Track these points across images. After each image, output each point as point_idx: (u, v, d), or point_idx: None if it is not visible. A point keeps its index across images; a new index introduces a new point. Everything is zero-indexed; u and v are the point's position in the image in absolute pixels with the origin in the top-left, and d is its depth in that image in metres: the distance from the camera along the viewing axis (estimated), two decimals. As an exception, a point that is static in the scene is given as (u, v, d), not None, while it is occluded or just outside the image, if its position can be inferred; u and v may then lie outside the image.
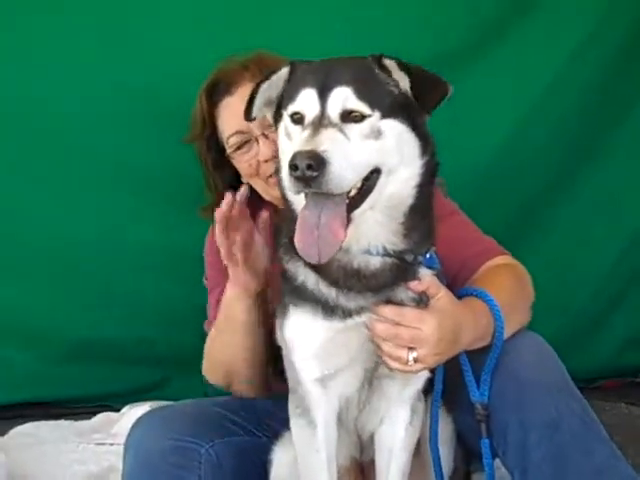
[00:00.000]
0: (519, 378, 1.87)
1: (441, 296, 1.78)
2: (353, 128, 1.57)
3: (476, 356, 1.91)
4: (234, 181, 2.41)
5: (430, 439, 1.96)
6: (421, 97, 1.63)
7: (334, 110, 1.58)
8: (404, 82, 1.65)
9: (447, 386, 1.96)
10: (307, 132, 1.56)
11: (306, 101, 1.61)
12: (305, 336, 1.77)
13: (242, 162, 2.33)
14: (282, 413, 1.95)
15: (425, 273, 1.77)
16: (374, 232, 1.69)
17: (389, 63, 1.66)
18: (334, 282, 1.71)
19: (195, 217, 3.11)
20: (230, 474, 2.09)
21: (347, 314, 1.72)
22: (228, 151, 2.34)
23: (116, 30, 3.23)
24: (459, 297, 1.90)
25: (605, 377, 3.76)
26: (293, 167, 1.46)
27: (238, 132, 2.29)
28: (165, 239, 3.42)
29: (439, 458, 1.97)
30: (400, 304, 1.73)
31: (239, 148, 2.32)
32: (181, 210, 3.31)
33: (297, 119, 1.63)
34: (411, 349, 1.72)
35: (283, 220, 1.82)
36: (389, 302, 1.72)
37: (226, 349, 2.22)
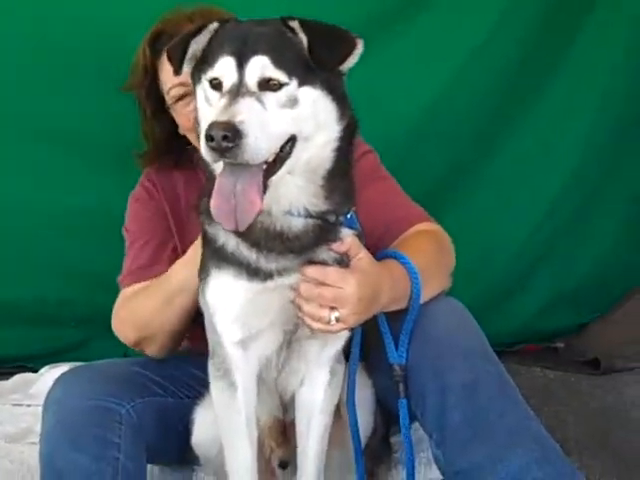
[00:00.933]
0: (438, 342, 1.90)
1: (362, 256, 1.79)
2: (270, 97, 1.56)
3: (394, 318, 1.93)
4: (172, 130, 2.39)
5: (347, 400, 1.99)
6: (321, 55, 1.61)
7: (252, 78, 1.57)
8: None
9: (366, 349, 1.99)
10: (224, 100, 1.55)
11: (225, 68, 1.59)
12: (227, 298, 1.77)
13: (181, 115, 2.29)
14: (203, 374, 1.95)
15: (346, 234, 1.77)
16: (294, 195, 1.69)
17: (294, 25, 1.65)
18: (255, 244, 1.70)
19: (121, 179, 3.09)
20: (151, 434, 2.09)
21: (268, 276, 1.72)
22: (168, 102, 2.30)
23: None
24: (378, 259, 1.91)
25: (523, 341, 3.83)
26: (209, 137, 1.46)
27: (180, 84, 2.24)
28: (88, 200, 3.35)
29: (356, 420, 2.00)
30: (322, 264, 1.73)
31: (179, 99, 2.28)
32: (105, 172, 3.29)
33: (215, 85, 1.61)
34: (332, 309, 1.73)
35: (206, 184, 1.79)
36: (311, 262, 1.73)
37: (150, 315, 2.16)
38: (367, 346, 1.98)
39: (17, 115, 3.24)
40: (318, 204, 1.71)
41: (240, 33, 1.63)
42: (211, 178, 1.70)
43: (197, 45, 1.70)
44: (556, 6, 3.46)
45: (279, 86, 1.58)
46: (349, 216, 1.80)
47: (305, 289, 1.72)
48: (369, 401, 2.10)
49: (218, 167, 1.63)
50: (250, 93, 1.55)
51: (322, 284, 1.71)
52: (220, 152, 1.47)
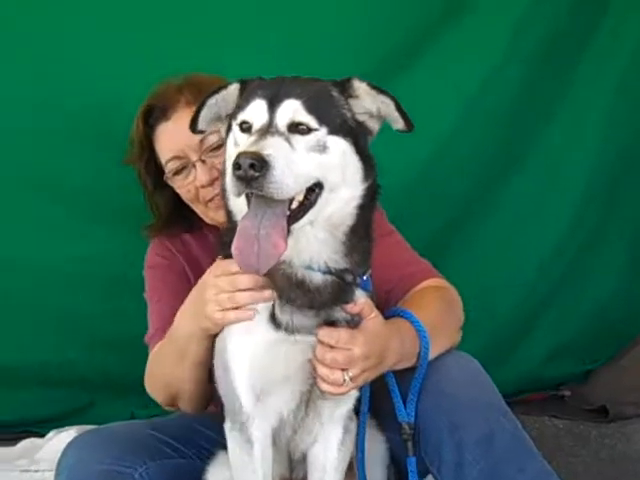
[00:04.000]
0: (452, 397, 1.91)
1: (373, 317, 1.80)
2: (299, 139, 1.60)
3: (403, 377, 1.94)
4: (175, 201, 2.42)
5: (357, 457, 1.98)
6: (404, 116, 1.71)
7: (282, 120, 1.61)
8: (376, 104, 1.72)
9: (378, 406, 1.98)
10: (253, 137, 1.58)
11: (255, 110, 1.63)
12: (245, 344, 1.76)
13: (181, 187, 2.34)
14: (215, 434, 1.94)
15: (360, 295, 1.78)
16: (315, 248, 1.69)
17: (359, 85, 1.72)
18: (278, 292, 1.71)
19: (125, 237, 3.12)
20: None
21: (288, 329, 1.72)
22: (167, 175, 2.33)
23: (52, 49, 3.16)
24: (387, 317, 1.92)
25: (528, 390, 3.81)
26: (236, 165, 1.48)
27: (175, 157, 2.29)
28: (89, 260, 3.35)
29: (365, 476, 1.99)
30: (335, 324, 1.74)
31: (177, 173, 2.31)
32: (110, 228, 3.31)
33: (245, 128, 1.65)
34: (344, 370, 1.74)
35: (226, 233, 1.81)
36: (327, 322, 1.73)
37: (170, 372, 2.14)
38: (378, 403, 1.97)
39: (17, 172, 3.26)
40: (338, 261, 1.72)
41: (275, 82, 1.69)
42: (231, 227, 1.71)
43: (220, 106, 1.77)
44: (556, 38, 3.53)
45: (308, 131, 1.61)
46: (365, 278, 1.81)
47: (319, 353, 1.73)
48: (382, 457, 2.10)
49: (240, 213, 1.66)
50: (279, 133, 1.59)
51: (334, 347, 1.72)
52: (246, 182, 1.48)
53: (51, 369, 3.47)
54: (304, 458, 1.97)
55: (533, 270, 3.76)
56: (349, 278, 1.74)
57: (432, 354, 1.95)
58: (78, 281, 3.38)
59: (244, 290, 1.74)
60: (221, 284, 1.77)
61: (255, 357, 1.75)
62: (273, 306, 1.73)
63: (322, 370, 1.74)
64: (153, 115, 2.32)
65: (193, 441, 2.25)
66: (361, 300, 1.78)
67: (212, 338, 1.90)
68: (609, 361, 3.88)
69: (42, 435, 3.44)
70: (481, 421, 1.86)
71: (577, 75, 3.61)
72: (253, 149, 1.51)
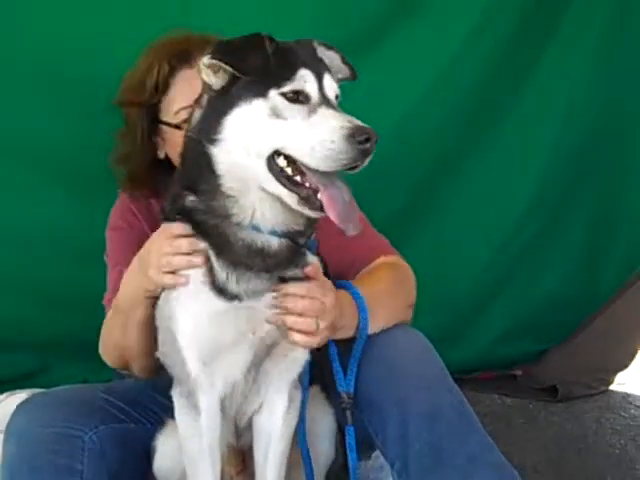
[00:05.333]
0: (398, 370, 1.92)
1: (325, 279, 1.82)
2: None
3: (347, 348, 1.95)
4: (152, 160, 2.34)
5: (298, 430, 1.98)
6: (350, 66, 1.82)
7: (331, 93, 1.66)
8: (329, 60, 1.76)
9: (328, 380, 1.99)
10: (331, 110, 1.61)
11: (308, 81, 1.63)
12: (191, 314, 1.75)
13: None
14: (168, 400, 1.93)
15: (312, 258, 1.80)
16: (281, 214, 1.70)
17: (318, 46, 1.76)
18: (234, 262, 1.70)
19: (84, 196, 3.06)
20: (113, 460, 2.05)
21: (235, 297, 1.71)
22: (175, 122, 2.23)
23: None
24: None
25: (481, 369, 3.87)
26: (365, 140, 1.53)
27: (190, 106, 2.12)
28: (50, 218, 3.26)
29: (307, 450, 2.00)
30: (287, 280, 1.74)
31: (185, 122, 2.19)
32: (70, 189, 3.24)
33: (296, 99, 1.62)
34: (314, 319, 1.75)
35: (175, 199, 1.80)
36: (282, 280, 1.73)
37: (118, 335, 2.11)
38: (327, 376, 1.98)
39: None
40: (299, 224, 1.73)
41: (301, 51, 1.68)
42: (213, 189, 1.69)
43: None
44: (523, 24, 3.53)
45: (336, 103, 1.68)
46: (312, 239, 1.82)
47: (291, 303, 1.72)
48: (329, 429, 2.10)
49: (241, 181, 1.66)
50: (334, 107, 1.64)
51: (304, 297, 1.73)
52: (365, 156, 1.55)
53: (4, 331, 3.42)
54: (250, 425, 1.97)
55: (491, 250, 3.80)
56: (301, 241, 1.75)
57: (375, 327, 1.97)
58: (35, 242, 3.30)
59: (184, 254, 1.74)
60: (164, 247, 1.76)
61: (202, 326, 1.74)
62: (219, 276, 1.72)
63: (293, 319, 1.74)
64: (177, 59, 2.21)
65: (145, 406, 2.24)
66: (316, 263, 1.79)
67: (156, 302, 1.89)
68: (561, 342, 3.94)
69: (-6, 397, 3.42)
70: (427, 396, 1.87)
71: (543, 55, 3.63)
72: (360, 124, 1.56)
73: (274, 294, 1.73)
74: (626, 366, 3.93)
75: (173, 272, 1.75)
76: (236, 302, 1.71)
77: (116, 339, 2.12)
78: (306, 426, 1.99)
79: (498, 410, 3.51)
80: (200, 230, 1.73)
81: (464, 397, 1.93)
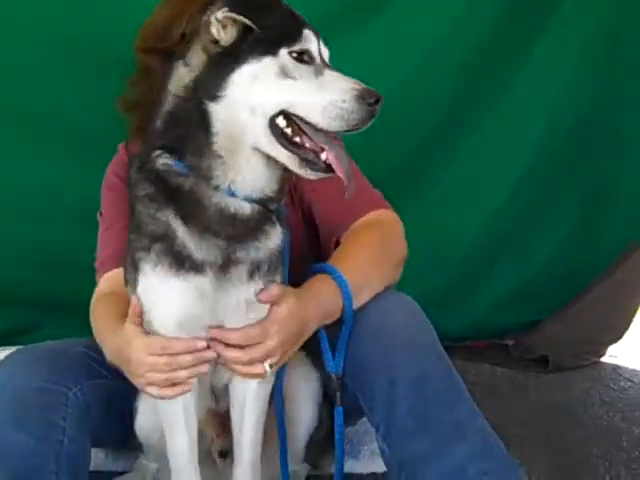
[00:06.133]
0: (388, 336, 1.91)
1: (283, 305, 1.78)
2: None
3: (336, 328, 1.95)
4: None
5: (274, 393, 1.99)
6: None
7: (326, 55, 1.68)
8: None
9: (313, 341, 1.97)
10: (336, 72, 1.63)
11: (312, 41, 1.64)
12: (162, 295, 1.72)
13: None
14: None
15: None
16: (269, 178, 1.70)
17: None
18: (203, 229, 1.67)
19: (81, 156, 3.09)
20: (97, 417, 2.06)
21: (201, 267, 1.69)
22: None
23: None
24: (311, 273, 1.96)
25: (473, 337, 3.88)
26: (375, 101, 1.57)
27: None
28: (46, 179, 3.27)
29: (282, 414, 2.03)
30: (240, 264, 1.71)
31: None
32: (67, 150, 3.23)
33: (302, 59, 1.62)
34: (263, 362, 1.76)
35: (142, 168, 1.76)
36: (225, 262, 1.70)
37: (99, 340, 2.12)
38: (313, 337, 1.96)
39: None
40: (272, 191, 1.71)
41: (294, 13, 1.68)
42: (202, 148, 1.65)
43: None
44: (514, 11, 3.48)
45: None
46: (282, 206, 1.82)
47: (231, 356, 1.74)
48: (314, 394, 2.10)
49: (272, 148, 1.64)
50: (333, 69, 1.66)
51: (247, 347, 1.74)
52: (371, 117, 1.59)
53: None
54: (227, 388, 1.97)
55: (484, 219, 3.76)
56: (272, 206, 1.74)
57: (366, 297, 1.98)
58: (32, 204, 3.32)
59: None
60: (158, 364, 1.74)
61: (173, 308, 1.72)
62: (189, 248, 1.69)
63: (241, 369, 1.77)
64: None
65: None
66: (274, 290, 1.76)
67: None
68: (553, 313, 3.93)
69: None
70: (415, 361, 1.86)
71: (544, 25, 3.58)
72: (367, 87, 1.60)
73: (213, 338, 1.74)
74: (619, 338, 3.91)
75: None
76: (206, 275, 1.69)
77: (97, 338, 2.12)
78: (283, 389, 1.99)
79: (487, 379, 3.50)
80: (170, 195, 1.69)
81: (452, 365, 1.92)
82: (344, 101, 1.56)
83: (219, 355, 1.76)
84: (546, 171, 3.76)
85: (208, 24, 1.63)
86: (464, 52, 3.49)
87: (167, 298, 1.71)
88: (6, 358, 2.08)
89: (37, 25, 3.06)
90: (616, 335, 3.92)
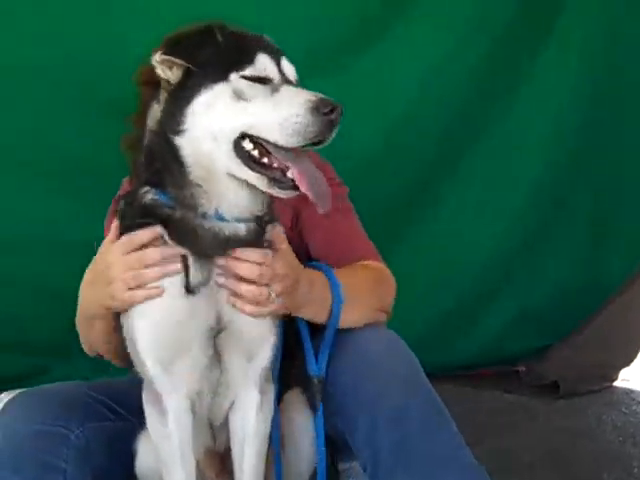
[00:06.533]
0: (370, 368, 1.90)
1: (285, 245, 1.81)
2: None
3: (318, 335, 1.95)
4: None
5: (272, 434, 1.97)
6: None
7: (291, 75, 1.69)
8: None
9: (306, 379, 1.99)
10: (293, 87, 1.64)
11: (267, 64, 1.65)
12: (147, 315, 1.74)
13: None
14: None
15: (274, 225, 1.79)
16: (252, 199, 1.70)
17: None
18: (198, 253, 1.70)
19: (82, 194, 3.13)
20: (98, 459, 2.05)
21: (198, 289, 1.71)
22: None
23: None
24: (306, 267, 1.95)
25: (483, 365, 3.85)
26: (330, 110, 1.55)
27: None
28: (49, 217, 3.29)
29: (278, 448, 2.00)
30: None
31: None
32: (67, 188, 3.27)
33: (258, 79, 1.63)
34: (267, 286, 1.74)
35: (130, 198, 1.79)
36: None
37: (85, 335, 2.14)
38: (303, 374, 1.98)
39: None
40: (260, 210, 1.73)
41: (255, 38, 1.71)
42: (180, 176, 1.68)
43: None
44: (518, 25, 3.53)
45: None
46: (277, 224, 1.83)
47: (247, 269, 1.71)
48: (311, 432, 2.09)
49: (215, 162, 1.65)
50: (296, 86, 1.66)
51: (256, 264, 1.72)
52: (331, 127, 1.56)
53: (4, 330, 3.44)
54: (227, 427, 1.96)
55: (492, 243, 3.76)
56: (266, 218, 1.76)
57: (348, 320, 1.97)
58: (34, 242, 3.33)
59: (151, 265, 1.72)
60: (129, 261, 1.75)
61: (160, 327, 1.73)
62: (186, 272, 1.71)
63: (246, 288, 1.72)
64: None
65: (132, 404, 2.21)
66: (276, 228, 1.79)
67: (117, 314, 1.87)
68: (564, 338, 3.91)
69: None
70: (396, 395, 1.84)
71: (546, 39, 3.63)
72: (323, 96, 1.58)
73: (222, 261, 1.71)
74: (631, 361, 3.90)
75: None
76: (193, 295, 1.70)
77: (83, 335, 2.13)
78: (280, 424, 1.99)
79: (499, 406, 3.48)
80: (164, 225, 1.71)
81: (436, 396, 1.90)
82: (298, 115, 1.55)
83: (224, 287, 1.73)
84: (553, 192, 3.78)
85: (154, 67, 1.69)
86: (462, 76, 3.54)
87: (159, 323, 1.73)
88: (8, 402, 2.08)
89: (37, 65, 3.11)
90: (628, 358, 3.90)
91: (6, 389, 3.42)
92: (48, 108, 3.16)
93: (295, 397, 2.08)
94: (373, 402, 1.84)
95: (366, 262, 2.20)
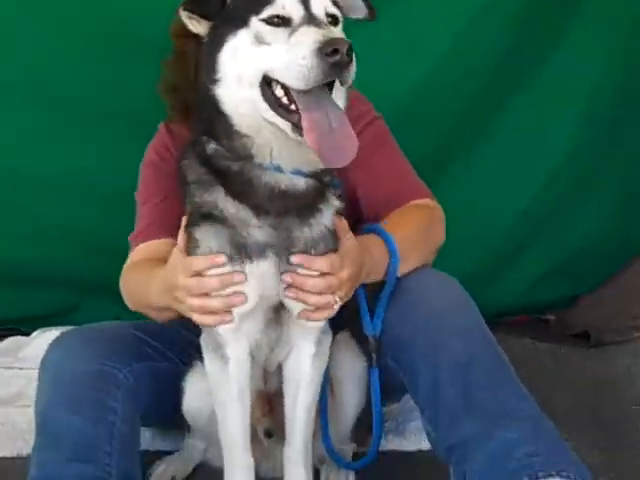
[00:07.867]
0: (433, 318, 1.90)
1: (350, 237, 1.81)
2: (337, 31, 1.61)
3: (376, 292, 1.97)
4: None
5: (321, 405, 2.03)
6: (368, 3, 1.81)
7: (319, 11, 1.61)
8: None
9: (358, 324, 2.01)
10: (312, 28, 1.55)
11: (287, 2, 1.60)
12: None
13: None
14: (198, 339, 1.94)
15: (336, 205, 1.78)
16: (304, 152, 1.66)
17: None
18: (256, 207, 1.68)
19: (116, 140, 3.12)
20: (146, 398, 2.09)
21: (259, 253, 1.70)
22: None
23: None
24: (363, 232, 1.97)
25: (513, 313, 3.85)
26: (334, 51, 1.46)
27: None
28: (80, 162, 3.31)
29: (326, 395, 2.05)
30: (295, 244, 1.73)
31: None
32: (101, 134, 3.27)
33: (277, 22, 1.59)
34: (333, 293, 1.76)
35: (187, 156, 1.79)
36: (285, 245, 1.72)
37: (138, 300, 2.17)
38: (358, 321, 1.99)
39: (14, 77, 3.20)
40: (316, 161, 1.67)
41: None
42: (227, 131, 1.68)
43: None
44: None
45: (336, 23, 1.64)
46: (336, 179, 1.81)
47: (314, 284, 1.72)
48: (359, 376, 2.10)
49: (250, 117, 1.63)
50: (324, 24, 1.58)
51: (326, 274, 1.73)
52: (339, 69, 1.48)
53: (37, 269, 3.46)
54: (279, 370, 1.98)
55: (525, 196, 3.72)
56: (327, 179, 1.74)
57: (403, 269, 1.99)
58: (68, 188, 3.36)
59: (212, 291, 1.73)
60: (189, 284, 1.75)
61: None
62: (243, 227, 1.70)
63: (314, 299, 1.74)
64: None
65: (178, 345, 2.25)
66: (340, 220, 1.78)
67: None
68: (594, 288, 3.90)
69: (27, 334, 3.46)
70: (461, 344, 1.85)
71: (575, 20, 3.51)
72: (332, 37, 1.50)
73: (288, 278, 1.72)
74: (660, 313, 3.87)
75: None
76: (260, 261, 1.71)
77: (133, 299, 2.17)
78: (329, 371, 2.01)
79: (530, 354, 3.47)
80: (221, 177, 1.70)
81: (499, 346, 1.91)
82: (304, 57, 1.49)
83: (285, 290, 1.75)
84: (586, 152, 3.71)
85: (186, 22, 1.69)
86: (491, 40, 3.44)
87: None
88: (58, 338, 2.10)
89: (70, 9, 3.09)
90: (657, 309, 3.87)
91: (38, 326, 3.46)
92: (81, 57, 3.17)
93: (345, 338, 2.09)
94: (437, 350, 1.86)
95: (416, 202, 2.18)
